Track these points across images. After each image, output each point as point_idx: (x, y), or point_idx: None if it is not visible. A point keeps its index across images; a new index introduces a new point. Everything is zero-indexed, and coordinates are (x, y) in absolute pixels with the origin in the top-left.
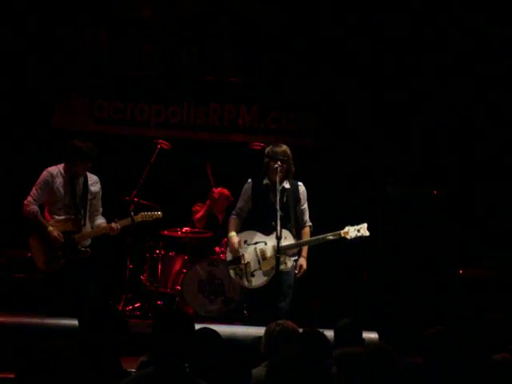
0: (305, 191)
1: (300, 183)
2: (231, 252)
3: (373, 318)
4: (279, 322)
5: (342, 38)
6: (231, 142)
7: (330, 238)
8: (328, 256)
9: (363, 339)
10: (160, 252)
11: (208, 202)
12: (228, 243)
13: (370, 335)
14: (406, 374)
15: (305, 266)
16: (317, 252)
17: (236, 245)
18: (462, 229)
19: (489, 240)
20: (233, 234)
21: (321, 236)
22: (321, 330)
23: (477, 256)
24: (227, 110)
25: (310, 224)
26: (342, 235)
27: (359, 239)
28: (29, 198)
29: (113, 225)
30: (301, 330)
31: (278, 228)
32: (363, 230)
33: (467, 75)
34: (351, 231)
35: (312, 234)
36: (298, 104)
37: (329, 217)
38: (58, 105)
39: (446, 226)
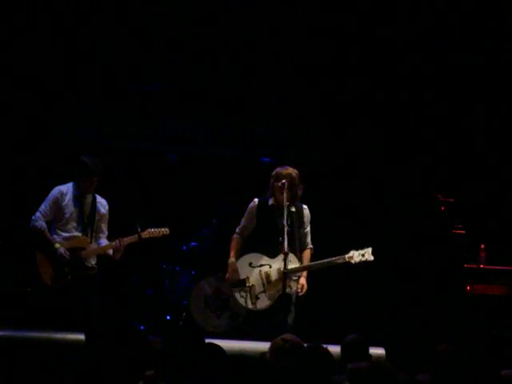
0: (309, 214)
1: (305, 206)
2: (228, 280)
3: (380, 333)
4: (284, 337)
5: (349, 52)
6: (240, 157)
7: (335, 262)
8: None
9: (370, 355)
10: (167, 266)
11: None
12: (228, 268)
13: (377, 351)
14: None
15: (305, 285)
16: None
17: (232, 275)
18: (468, 242)
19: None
20: (232, 260)
21: (326, 260)
22: (325, 346)
23: (485, 272)
24: (234, 124)
25: (312, 246)
26: (347, 260)
27: (363, 263)
28: (37, 214)
29: (117, 241)
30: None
31: (286, 243)
32: (367, 254)
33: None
34: (356, 256)
35: (315, 254)
36: (305, 119)
37: (335, 232)
38: (66, 117)
39: (452, 239)
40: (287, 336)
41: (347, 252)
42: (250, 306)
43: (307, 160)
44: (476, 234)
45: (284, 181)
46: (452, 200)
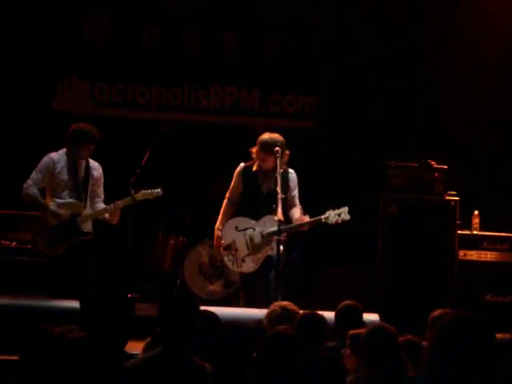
0: (295, 178)
1: (291, 171)
2: (215, 247)
3: (374, 300)
4: (281, 303)
5: (343, 19)
6: (232, 124)
7: (312, 223)
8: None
9: (364, 322)
10: (161, 234)
11: None
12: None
13: (371, 317)
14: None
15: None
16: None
17: (217, 241)
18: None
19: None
20: (217, 227)
21: (303, 222)
22: (320, 313)
23: (478, 238)
24: (228, 93)
25: (300, 206)
26: (323, 220)
27: (341, 223)
28: (28, 181)
29: (111, 205)
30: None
31: (279, 210)
32: (344, 214)
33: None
34: (332, 216)
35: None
36: (298, 86)
37: (327, 200)
38: (58, 88)
39: (446, 206)
40: (284, 303)
41: (323, 213)
42: (236, 268)
43: (300, 127)
44: (469, 201)
45: (277, 148)
46: (445, 167)
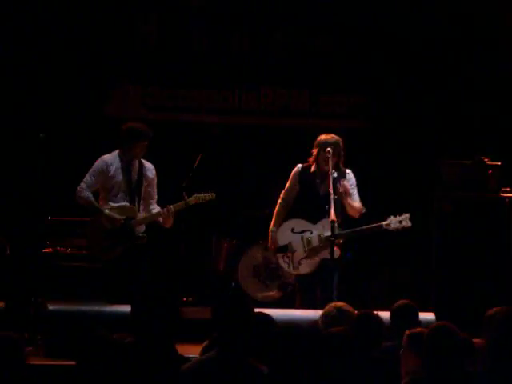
0: (353, 178)
1: (348, 171)
2: (270, 249)
3: (430, 299)
4: (336, 304)
5: (394, 21)
6: (283, 127)
7: (372, 229)
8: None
9: (420, 321)
10: (215, 237)
11: None
12: (269, 237)
13: (427, 316)
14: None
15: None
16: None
17: (272, 243)
18: None
19: None
20: (271, 229)
21: (363, 227)
22: (376, 312)
23: None
24: (278, 95)
25: (362, 203)
26: (384, 227)
27: (401, 230)
28: (82, 185)
29: (165, 209)
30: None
31: (332, 211)
32: (405, 221)
33: None
34: (393, 223)
35: (364, 215)
36: (349, 86)
37: (381, 201)
38: (110, 93)
39: (501, 203)
40: (339, 303)
41: (385, 219)
42: (292, 271)
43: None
44: None
45: (329, 148)
46: (499, 163)
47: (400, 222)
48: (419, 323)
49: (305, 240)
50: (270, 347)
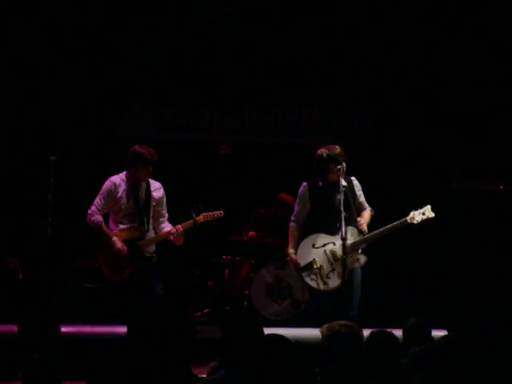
0: (358, 184)
1: (353, 178)
2: (296, 271)
3: (442, 316)
4: (342, 322)
5: (402, 38)
6: (294, 145)
7: (397, 226)
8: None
9: (432, 337)
10: (226, 257)
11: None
12: (289, 261)
13: (440, 333)
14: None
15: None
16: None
17: (295, 265)
18: None
19: None
20: (290, 251)
21: (388, 226)
22: (390, 331)
23: None
24: (289, 113)
25: (370, 208)
26: (409, 221)
27: (426, 222)
28: (92, 208)
29: (173, 229)
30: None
31: (343, 228)
32: (428, 212)
33: None
34: (416, 216)
35: (375, 226)
36: (357, 103)
37: (392, 217)
38: (121, 114)
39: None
40: (346, 322)
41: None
42: (322, 287)
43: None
44: None
45: (344, 164)
46: None
47: (423, 213)
48: (432, 340)
49: (329, 253)
50: (282, 367)
